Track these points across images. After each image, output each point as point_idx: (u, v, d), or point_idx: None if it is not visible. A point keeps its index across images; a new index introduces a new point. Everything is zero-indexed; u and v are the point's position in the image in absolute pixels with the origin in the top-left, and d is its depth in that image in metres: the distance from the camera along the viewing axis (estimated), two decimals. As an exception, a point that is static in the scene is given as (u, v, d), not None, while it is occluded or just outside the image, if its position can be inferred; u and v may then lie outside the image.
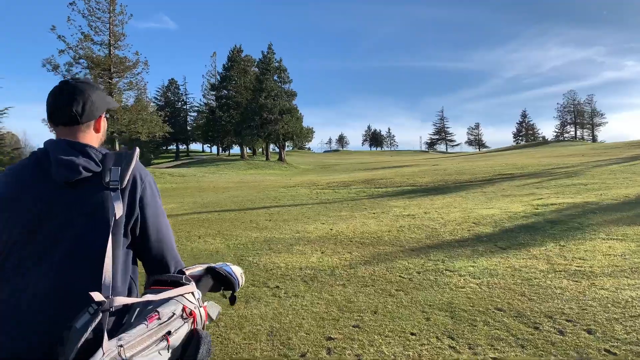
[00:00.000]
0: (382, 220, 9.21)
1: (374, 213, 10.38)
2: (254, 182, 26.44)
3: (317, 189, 18.04)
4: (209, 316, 1.37)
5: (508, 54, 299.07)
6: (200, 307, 1.32)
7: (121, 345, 1.05)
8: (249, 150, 63.05)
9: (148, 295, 1.23)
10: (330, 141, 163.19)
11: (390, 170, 29.82)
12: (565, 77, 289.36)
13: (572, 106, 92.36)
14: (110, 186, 1.28)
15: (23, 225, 1.25)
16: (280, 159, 53.00)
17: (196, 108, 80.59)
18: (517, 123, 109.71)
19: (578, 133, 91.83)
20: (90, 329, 1.05)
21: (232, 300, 1.53)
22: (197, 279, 1.44)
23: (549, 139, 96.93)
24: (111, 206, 1.26)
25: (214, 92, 60.37)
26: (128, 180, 1.32)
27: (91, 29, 23.02)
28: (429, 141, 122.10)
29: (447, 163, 35.23)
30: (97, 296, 1.10)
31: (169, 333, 1.17)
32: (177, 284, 1.32)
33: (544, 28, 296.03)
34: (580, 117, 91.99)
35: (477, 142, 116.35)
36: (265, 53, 51.14)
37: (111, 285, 1.21)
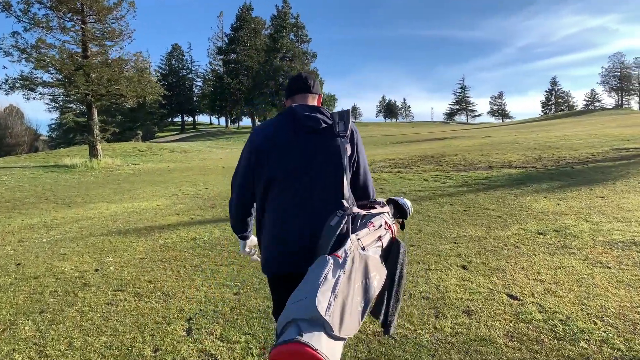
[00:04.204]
0: (607, 265, 4.06)
1: (542, 236, 5.21)
2: (272, 160, 21.23)
3: (367, 171, 12.82)
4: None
5: (522, 21, 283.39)
6: (393, 223, 1.93)
7: (359, 238, 1.61)
8: (259, 122, 57.50)
9: (363, 211, 1.80)
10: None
11: (438, 144, 24.46)
12: (579, 46, 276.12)
13: (619, 70, 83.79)
14: (340, 134, 1.87)
15: (287, 160, 1.85)
16: (297, 130, 47.35)
17: (202, 75, 74.57)
18: (546, 91, 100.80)
19: (618, 100, 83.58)
20: (341, 225, 1.58)
21: (402, 226, 2.12)
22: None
23: (577, 108, 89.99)
24: (343, 147, 1.87)
25: (221, 57, 54.19)
26: (349, 131, 1.92)
27: (52, -48, 15.85)
28: (449, 111, 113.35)
29: (499, 134, 29.68)
30: (344, 205, 1.72)
31: (379, 237, 1.74)
32: (374, 207, 1.91)
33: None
34: (626, 82, 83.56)
35: (500, 112, 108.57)
36: (280, 7, 44.74)
37: (348, 200, 1.86)
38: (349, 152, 1.89)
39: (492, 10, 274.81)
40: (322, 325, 1.26)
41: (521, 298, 3.50)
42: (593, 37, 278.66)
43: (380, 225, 1.79)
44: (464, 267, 4.29)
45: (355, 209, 1.72)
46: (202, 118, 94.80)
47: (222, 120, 77.05)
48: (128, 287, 4.18)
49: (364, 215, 1.79)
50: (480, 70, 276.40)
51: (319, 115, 1.87)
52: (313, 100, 2.04)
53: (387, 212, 1.92)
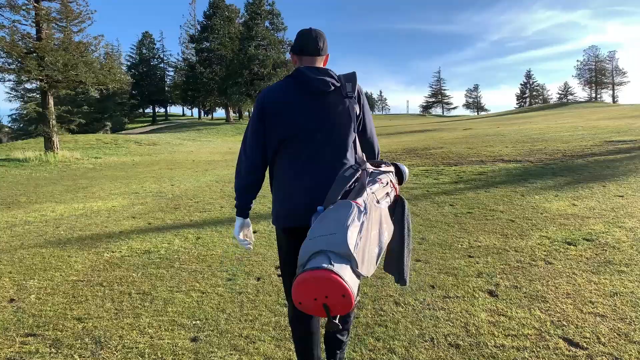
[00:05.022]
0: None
1: (573, 247, 4.37)
2: (247, 152, 19.95)
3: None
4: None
5: (495, 16, 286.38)
6: (396, 184, 2.01)
7: (373, 192, 1.68)
8: (234, 114, 55.44)
9: (372, 168, 1.91)
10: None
11: (419, 137, 23.71)
12: (550, 41, 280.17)
13: (594, 63, 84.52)
14: (348, 95, 1.94)
15: (297, 120, 1.91)
16: (273, 122, 45.20)
17: (174, 64, 71.85)
18: (520, 84, 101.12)
19: (591, 93, 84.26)
20: (354, 178, 1.71)
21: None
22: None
23: (551, 101, 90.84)
24: (352, 108, 1.95)
25: (193, 45, 51.86)
26: (356, 92, 1.97)
27: None
28: (425, 104, 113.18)
29: (480, 126, 29.13)
30: (358, 159, 1.97)
31: (387, 194, 1.81)
32: (380, 166, 1.98)
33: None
34: (600, 75, 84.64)
35: (475, 105, 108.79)
36: (255, -6, 42.96)
37: (357, 157, 2.01)
38: (357, 111, 1.99)
39: (467, 4, 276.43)
40: (349, 260, 1.33)
41: (585, 345, 2.55)
42: (564, 32, 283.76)
43: (387, 183, 1.87)
44: (491, 294, 3.34)
45: (368, 165, 1.88)
46: (175, 109, 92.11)
47: (195, 111, 74.79)
48: (47, 328, 3.07)
49: (372, 172, 1.88)
50: (454, 64, 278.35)
51: (328, 78, 1.91)
52: (321, 62, 2.04)
53: (392, 172, 2.02)
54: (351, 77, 1.96)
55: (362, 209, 1.50)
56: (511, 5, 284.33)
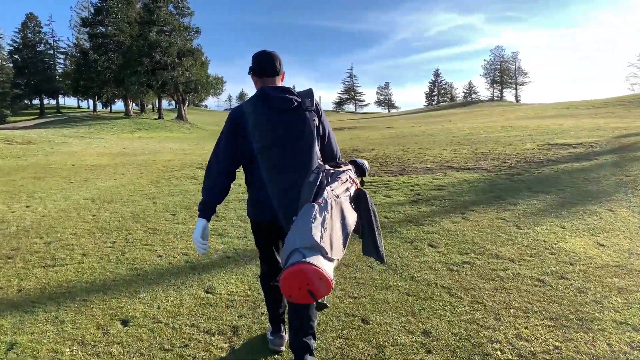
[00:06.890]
0: None
1: None
2: (144, 154, 16.73)
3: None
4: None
5: (400, 16, 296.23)
6: (356, 179, 2.28)
7: (332, 189, 1.95)
8: (136, 106, 50.19)
9: (332, 169, 2.18)
10: (230, 99, 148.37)
11: (342, 135, 22.06)
12: (450, 42, 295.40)
13: (499, 63, 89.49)
14: (308, 109, 2.23)
15: (268, 135, 2.17)
16: (180, 117, 41.26)
17: (64, 50, 64.15)
18: (429, 82, 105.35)
19: (495, 93, 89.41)
20: (317, 181, 1.97)
21: (362, 182, 2.42)
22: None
23: (457, 100, 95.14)
24: (312, 120, 2.24)
25: (86, 30, 45.93)
26: (315, 106, 2.28)
27: None
28: (338, 100, 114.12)
29: (400, 125, 28.32)
30: (318, 164, 2.23)
31: (347, 189, 2.08)
32: (340, 167, 2.24)
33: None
34: (505, 75, 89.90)
35: (386, 102, 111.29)
36: (157, -26, 38.44)
37: (318, 162, 2.28)
38: (317, 123, 2.30)
39: (373, 4, 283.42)
40: (319, 250, 1.64)
41: None
42: (462, 34, 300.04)
43: (347, 180, 2.14)
44: None
45: (327, 167, 2.20)
46: (70, 101, 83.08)
47: (91, 104, 67.35)
48: None
49: (333, 172, 2.15)
50: (362, 62, 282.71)
51: (290, 96, 2.20)
52: (279, 80, 2.34)
53: (351, 169, 2.30)
54: (309, 94, 2.29)
55: (322, 205, 1.80)
56: (414, 7, 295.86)
